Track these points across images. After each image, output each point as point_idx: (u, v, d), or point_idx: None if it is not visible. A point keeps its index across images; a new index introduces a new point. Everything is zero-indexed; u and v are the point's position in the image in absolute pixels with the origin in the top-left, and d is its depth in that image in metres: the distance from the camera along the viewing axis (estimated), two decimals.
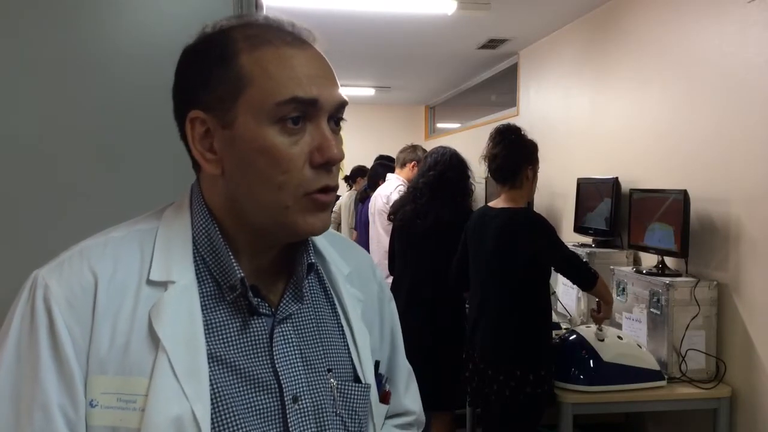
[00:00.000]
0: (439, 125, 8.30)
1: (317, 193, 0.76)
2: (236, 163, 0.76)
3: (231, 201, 0.78)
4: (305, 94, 0.74)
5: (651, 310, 2.58)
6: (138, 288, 0.75)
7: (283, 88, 0.74)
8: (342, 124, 0.81)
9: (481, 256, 2.60)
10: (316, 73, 0.76)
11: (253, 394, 0.76)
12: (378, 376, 0.90)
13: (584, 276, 2.46)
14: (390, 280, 3.33)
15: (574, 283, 2.55)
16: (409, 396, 1.03)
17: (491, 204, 2.67)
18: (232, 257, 0.78)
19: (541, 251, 2.41)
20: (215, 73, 0.76)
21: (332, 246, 0.93)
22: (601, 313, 2.52)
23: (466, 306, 2.84)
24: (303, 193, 0.75)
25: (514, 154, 2.54)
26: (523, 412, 2.42)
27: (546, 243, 2.43)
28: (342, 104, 0.79)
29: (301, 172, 0.75)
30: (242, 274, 0.77)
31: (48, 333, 0.70)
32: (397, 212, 3.22)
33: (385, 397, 0.91)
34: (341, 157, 0.76)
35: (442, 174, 3.04)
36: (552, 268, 2.54)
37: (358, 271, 0.94)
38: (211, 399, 0.73)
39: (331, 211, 0.93)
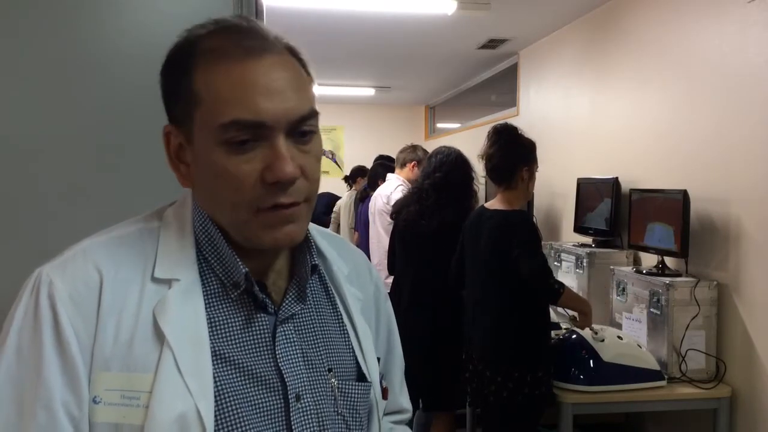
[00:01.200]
0: (439, 125, 8.29)
1: (269, 212, 0.74)
2: (200, 179, 0.77)
3: (210, 211, 0.80)
4: (250, 116, 0.71)
5: (651, 310, 2.58)
6: (142, 285, 0.75)
7: (226, 109, 0.71)
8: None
9: (477, 257, 2.59)
10: (269, 87, 0.72)
11: (257, 392, 0.76)
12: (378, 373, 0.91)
13: (546, 293, 2.42)
14: (390, 280, 3.33)
15: (540, 296, 2.50)
16: (403, 394, 1.05)
17: (487, 204, 2.67)
18: (234, 254, 0.78)
19: (516, 259, 2.38)
20: (177, 88, 0.76)
21: (331, 246, 0.93)
22: (579, 322, 2.51)
23: None
24: (256, 209, 0.74)
25: (509, 154, 2.54)
26: (521, 413, 2.42)
27: (522, 251, 2.38)
28: (302, 119, 0.74)
29: (252, 189, 0.73)
30: (246, 270, 0.77)
31: (52, 330, 0.70)
32: (400, 212, 3.21)
33: (383, 394, 0.92)
34: (294, 175, 0.73)
35: (447, 175, 3.04)
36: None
37: (356, 271, 0.95)
38: (215, 396, 0.73)
39: (307, 220, 0.91)
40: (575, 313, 2.54)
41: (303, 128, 0.75)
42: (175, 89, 0.76)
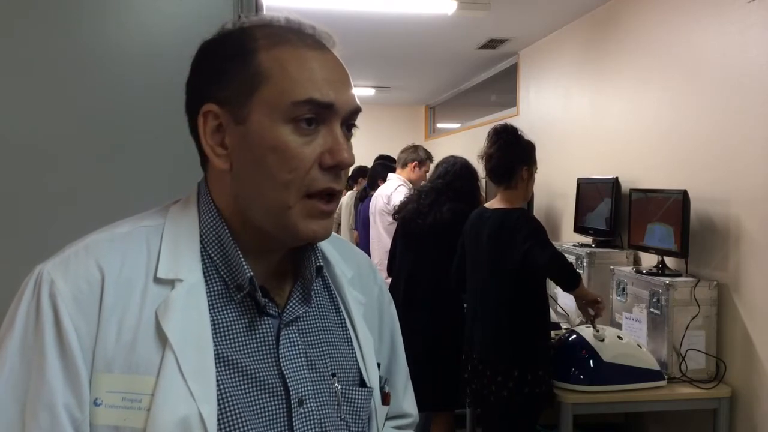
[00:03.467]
0: (439, 125, 8.30)
1: (319, 199, 0.76)
2: (246, 160, 0.76)
3: (237, 199, 0.78)
4: (322, 97, 0.74)
5: (651, 310, 2.58)
6: (145, 285, 0.74)
7: (300, 89, 0.74)
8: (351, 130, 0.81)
9: (477, 257, 2.60)
10: (333, 77, 0.76)
11: (259, 396, 0.75)
12: (378, 379, 0.90)
13: (567, 277, 2.43)
14: (388, 281, 3.33)
15: (557, 285, 2.54)
16: (407, 398, 1.03)
17: (487, 204, 2.68)
18: (241, 256, 0.77)
19: (529, 251, 2.39)
20: (232, 68, 0.76)
21: (334, 248, 0.92)
22: (594, 312, 2.48)
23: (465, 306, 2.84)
24: (306, 193, 0.75)
25: (509, 154, 2.55)
26: (521, 412, 2.42)
27: (533, 243, 2.39)
28: (356, 110, 0.79)
29: (308, 172, 0.74)
30: (251, 273, 0.76)
31: (54, 330, 0.69)
32: (401, 211, 3.27)
33: (385, 399, 0.91)
34: (351, 162, 0.76)
35: (450, 183, 3.11)
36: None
37: (359, 274, 0.94)
38: (218, 400, 0.72)
39: (334, 216, 0.94)
40: (591, 313, 2.51)
41: (351, 121, 0.79)
42: (221, 71, 0.76)
